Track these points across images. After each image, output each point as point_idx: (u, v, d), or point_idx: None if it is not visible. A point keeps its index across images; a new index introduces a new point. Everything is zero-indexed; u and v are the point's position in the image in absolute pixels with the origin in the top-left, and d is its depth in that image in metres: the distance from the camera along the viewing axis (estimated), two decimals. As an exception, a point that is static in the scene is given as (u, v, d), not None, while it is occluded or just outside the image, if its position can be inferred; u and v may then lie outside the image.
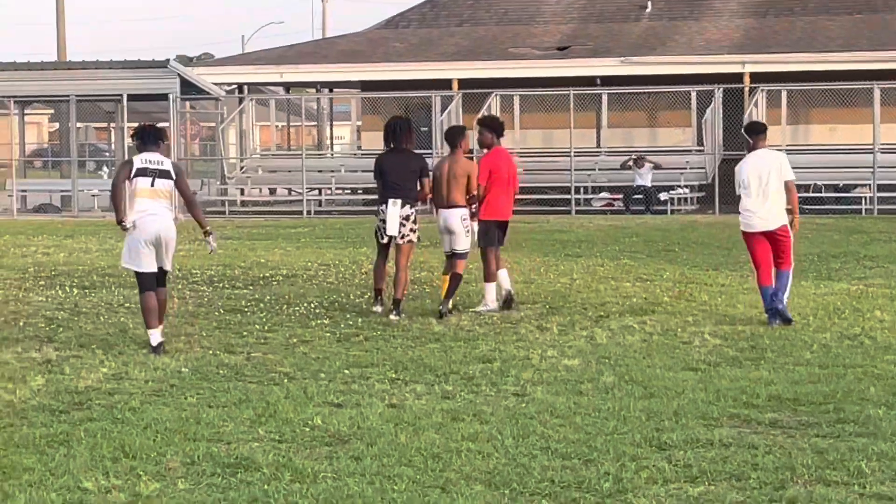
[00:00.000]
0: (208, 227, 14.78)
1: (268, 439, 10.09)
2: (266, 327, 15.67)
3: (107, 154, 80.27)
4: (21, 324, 15.87)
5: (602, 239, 28.78)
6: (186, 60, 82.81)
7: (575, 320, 16.14)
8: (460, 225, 16.86)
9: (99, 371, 12.87)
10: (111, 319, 16.19)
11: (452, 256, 17.01)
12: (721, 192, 37.52)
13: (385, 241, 16.97)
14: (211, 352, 13.99)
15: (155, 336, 14.14)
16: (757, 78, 41.63)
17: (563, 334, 15.16)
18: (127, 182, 14.30)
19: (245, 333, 15.24)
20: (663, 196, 39.78)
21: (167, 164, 14.50)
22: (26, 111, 52.57)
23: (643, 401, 11.38)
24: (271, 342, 14.66)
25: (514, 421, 10.64)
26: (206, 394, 11.77)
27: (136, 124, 16.19)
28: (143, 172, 14.25)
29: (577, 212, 39.56)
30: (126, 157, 44.74)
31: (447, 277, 16.93)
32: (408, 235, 16.89)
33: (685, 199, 40.49)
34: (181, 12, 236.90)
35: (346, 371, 12.84)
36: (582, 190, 41.54)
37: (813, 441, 9.99)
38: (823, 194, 39.66)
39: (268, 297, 18.23)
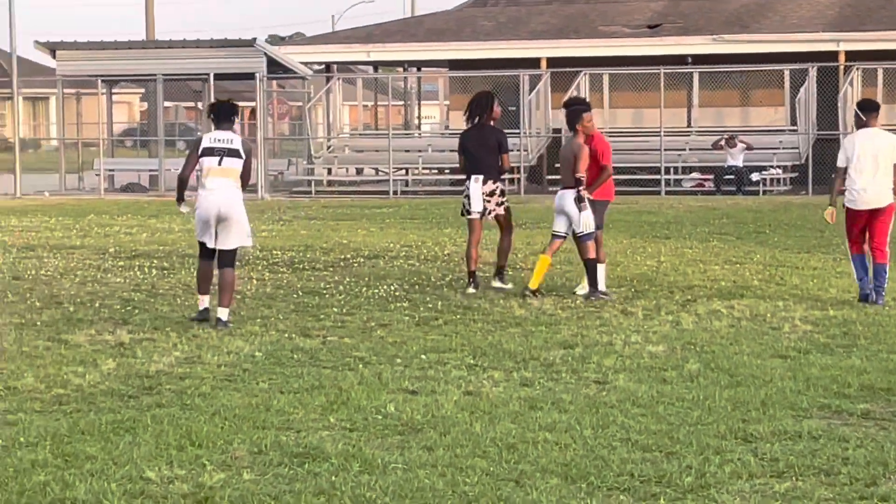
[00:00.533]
0: None
1: (339, 427, 9.80)
2: (344, 310, 15.40)
3: (197, 133, 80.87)
4: (97, 305, 15.67)
5: (691, 220, 28.30)
6: (278, 40, 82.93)
7: (661, 304, 15.74)
8: (575, 206, 16.21)
9: (171, 354, 12.65)
10: (188, 301, 15.94)
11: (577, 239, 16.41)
12: (815, 173, 36.97)
13: (472, 216, 16.94)
14: (286, 335, 13.72)
15: (203, 302, 14.56)
16: (852, 56, 40.87)
17: (647, 319, 14.77)
18: (198, 161, 14.42)
19: (322, 317, 14.96)
20: (755, 176, 39.15)
21: (237, 143, 14.44)
22: (116, 91, 52.85)
23: (729, 390, 10.98)
24: (349, 326, 14.37)
25: (594, 410, 10.28)
26: (278, 379, 11.50)
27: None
28: (210, 152, 14.34)
29: (667, 192, 39.00)
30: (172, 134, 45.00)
31: (545, 257, 16.59)
32: (494, 210, 16.92)
33: (778, 179, 39.85)
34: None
35: (423, 356, 12.53)
36: (672, 170, 40.97)
37: (908, 434, 9.58)
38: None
39: (347, 279, 17.95)
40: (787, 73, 41.01)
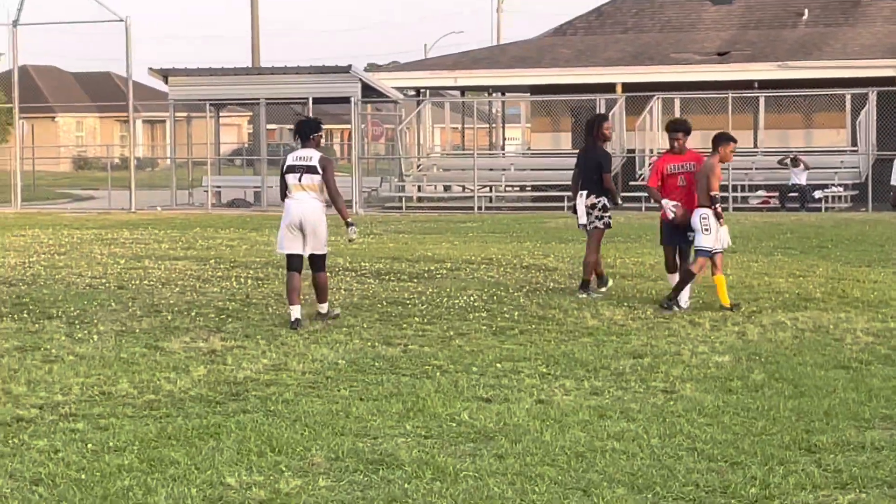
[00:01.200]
0: (349, 219, 15.01)
1: (414, 434, 9.37)
2: (426, 320, 14.95)
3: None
4: (193, 314, 15.31)
5: (757, 235, 27.62)
6: (375, 68, 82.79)
7: (727, 316, 15.16)
8: (699, 223, 15.74)
9: (259, 362, 12.27)
10: (279, 311, 15.58)
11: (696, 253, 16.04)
12: (874, 191, 36.23)
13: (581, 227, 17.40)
14: (370, 343, 13.31)
15: (294, 311, 14.49)
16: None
17: (714, 330, 14.22)
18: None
19: (405, 326, 14.52)
20: (818, 194, 38.40)
21: (314, 160, 14.55)
22: (224, 114, 52.81)
23: (793, 400, 10.43)
24: (429, 335, 13.93)
25: (661, 419, 9.79)
26: (359, 386, 11.09)
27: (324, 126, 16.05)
28: (291, 169, 14.63)
29: (735, 209, 38.29)
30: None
31: (719, 276, 15.93)
32: (594, 223, 17.04)
33: (839, 197, 39.01)
34: (373, 22, 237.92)
35: (498, 365, 12.07)
36: (739, 188, 40.25)
37: (970, 446, 9.00)
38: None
39: (430, 290, 17.50)
40: (848, 97, 40.12)
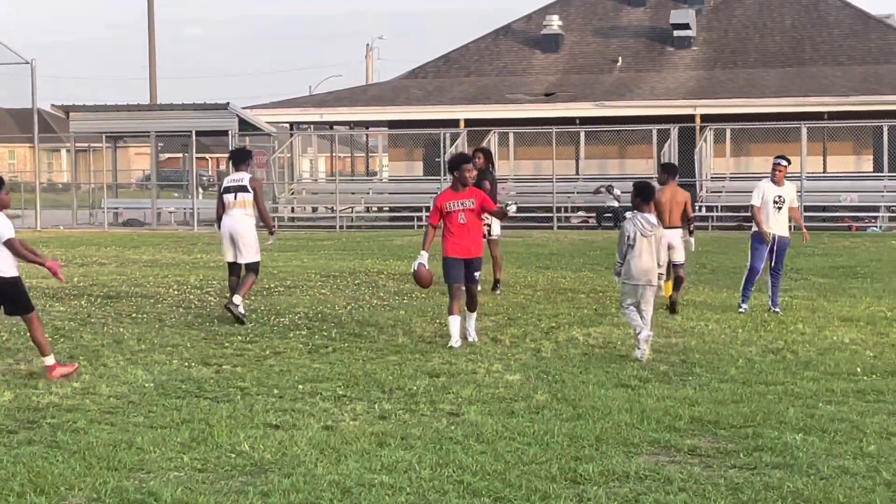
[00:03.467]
0: (274, 228, 15.31)
1: (190, 468, 7.80)
2: (248, 338, 13.34)
3: (178, 178, 78.62)
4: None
5: (571, 252, 26.38)
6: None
7: (528, 332, 13.80)
8: (680, 241, 15.89)
9: (71, 385, 10.60)
10: (113, 329, 13.90)
11: (673, 267, 15.70)
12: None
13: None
14: (186, 364, 11.68)
15: (236, 299, 14.46)
16: (706, 118, 39.33)
17: (513, 346, 12.83)
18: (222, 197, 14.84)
19: (227, 344, 12.91)
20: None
21: (246, 181, 14.69)
22: (137, 144, 50.54)
23: (569, 423, 9.05)
24: (246, 354, 12.34)
25: (438, 446, 8.33)
26: (156, 412, 9.48)
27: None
28: (227, 190, 14.67)
29: (559, 227, 37.25)
30: (195, 183, 42.83)
31: (669, 283, 15.59)
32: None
33: (647, 217, 38.02)
34: (261, 69, 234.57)
35: (300, 386, 10.53)
36: (563, 209, 39.15)
37: (729, 474, 7.66)
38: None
39: (262, 307, 15.90)
40: (654, 131, 39.21)
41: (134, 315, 15.05)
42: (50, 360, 10.89)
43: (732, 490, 7.29)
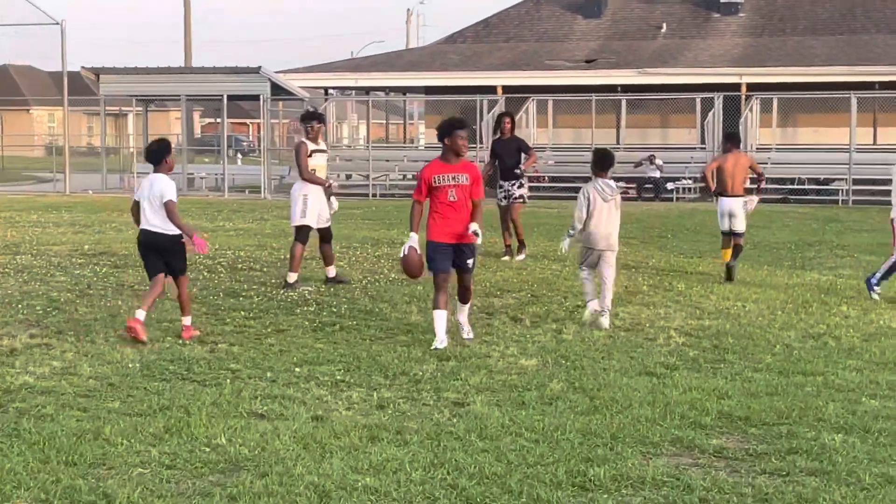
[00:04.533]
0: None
1: (157, 463, 7.07)
2: (251, 314, 12.60)
3: (243, 143, 78.12)
4: (22, 305, 12.86)
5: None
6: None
7: (551, 311, 12.98)
8: (741, 210, 15.87)
9: (50, 364, 9.91)
10: (111, 302, 13.20)
11: (732, 235, 15.97)
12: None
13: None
14: (180, 342, 10.97)
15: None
16: (752, 87, 38.20)
17: (534, 327, 12.01)
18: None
19: (228, 321, 12.17)
20: (670, 185, 36.45)
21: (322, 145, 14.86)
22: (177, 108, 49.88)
23: (584, 417, 8.25)
24: (247, 332, 11.59)
25: (436, 443, 7.56)
26: (135, 397, 8.77)
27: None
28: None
29: (597, 198, 36.26)
30: (225, 148, 42.10)
31: (728, 251, 15.95)
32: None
33: (689, 188, 37.05)
34: (308, 34, 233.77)
35: (297, 369, 9.79)
36: (602, 179, 38.11)
37: (758, 482, 6.84)
38: (806, 186, 36.13)
39: (272, 280, 15.16)
40: (698, 100, 38.14)
41: (136, 287, 14.33)
42: (188, 320, 11.25)
43: (760, 501, 6.48)
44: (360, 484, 6.66)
